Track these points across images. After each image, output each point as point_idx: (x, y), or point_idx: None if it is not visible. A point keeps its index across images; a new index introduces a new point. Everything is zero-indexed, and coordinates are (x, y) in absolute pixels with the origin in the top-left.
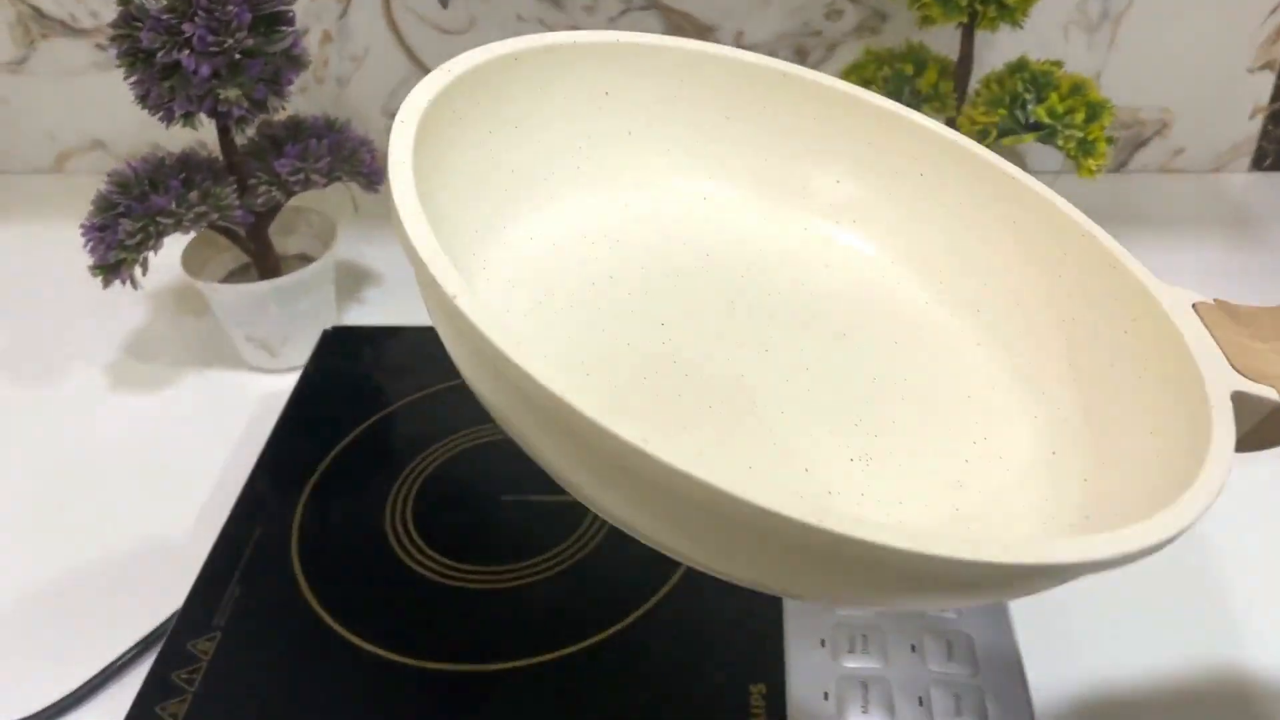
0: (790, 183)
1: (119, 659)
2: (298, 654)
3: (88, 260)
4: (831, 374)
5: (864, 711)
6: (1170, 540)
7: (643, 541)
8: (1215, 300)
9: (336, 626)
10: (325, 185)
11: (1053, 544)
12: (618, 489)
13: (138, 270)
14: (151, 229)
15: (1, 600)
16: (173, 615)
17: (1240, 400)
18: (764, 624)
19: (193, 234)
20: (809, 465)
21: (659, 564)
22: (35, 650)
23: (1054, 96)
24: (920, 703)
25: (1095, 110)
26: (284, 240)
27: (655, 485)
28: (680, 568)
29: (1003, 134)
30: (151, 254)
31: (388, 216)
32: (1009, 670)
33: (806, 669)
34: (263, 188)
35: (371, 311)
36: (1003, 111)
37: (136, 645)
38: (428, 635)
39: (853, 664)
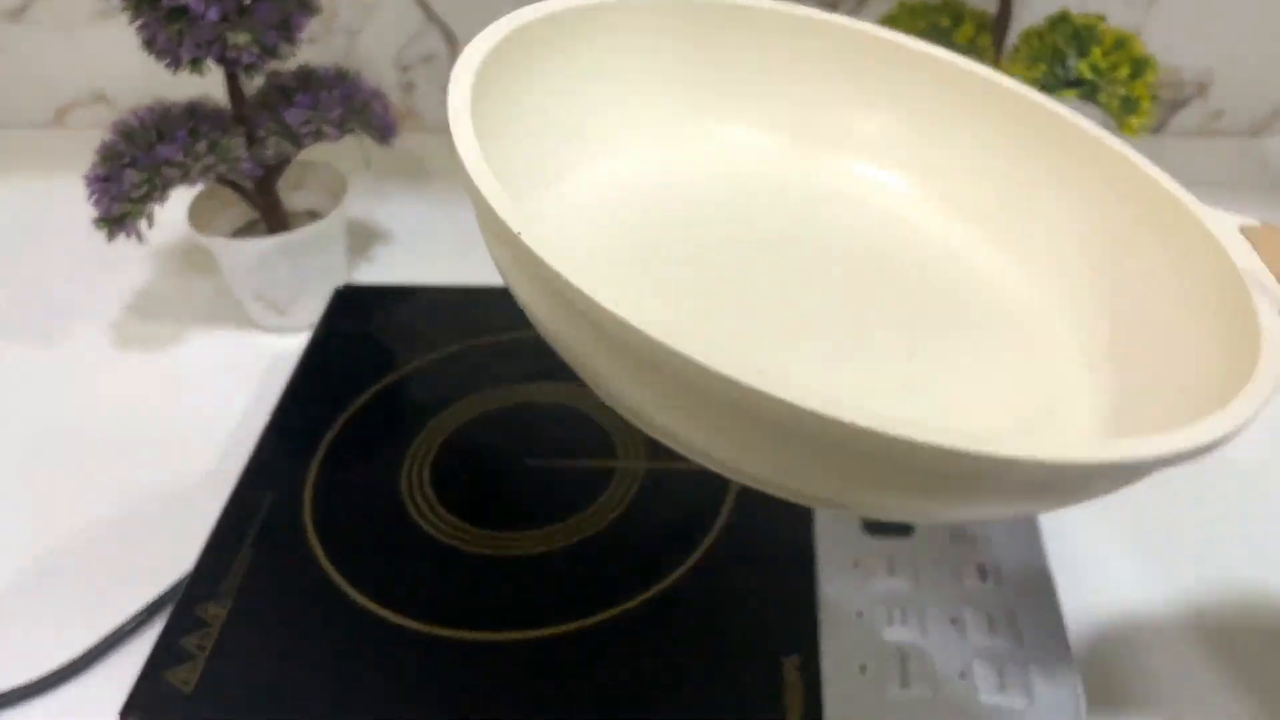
0: (829, 129)
1: (125, 624)
2: (312, 619)
3: (91, 214)
4: (885, 310)
5: (903, 685)
6: (1236, 432)
7: (699, 458)
8: (1263, 224)
9: (352, 592)
10: (337, 138)
11: (1126, 442)
12: (684, 409)
13: (143, 223)
14: (157, 180)
15: (3, 566)
16: (181, 580)
17: None
18: (796, 595)
19: (199, 188)
20: (868, 395)
21: (685, 533)
22: (40, 615)
23: (1096, 51)
24: (962, 676)
25: (1139, 66)
26: (292, 196)
27: (730, 403)
28: (707, 537)
29: (1044, 89)
30: (158, 207)
31: (400, 172)
32: (1054, 644)
33: (842, 641)
34: (272, 139)
35: (383, 270)
36: (1043, 67)
37: (143, 611)
38: (446, 602)
39: (890, 636)
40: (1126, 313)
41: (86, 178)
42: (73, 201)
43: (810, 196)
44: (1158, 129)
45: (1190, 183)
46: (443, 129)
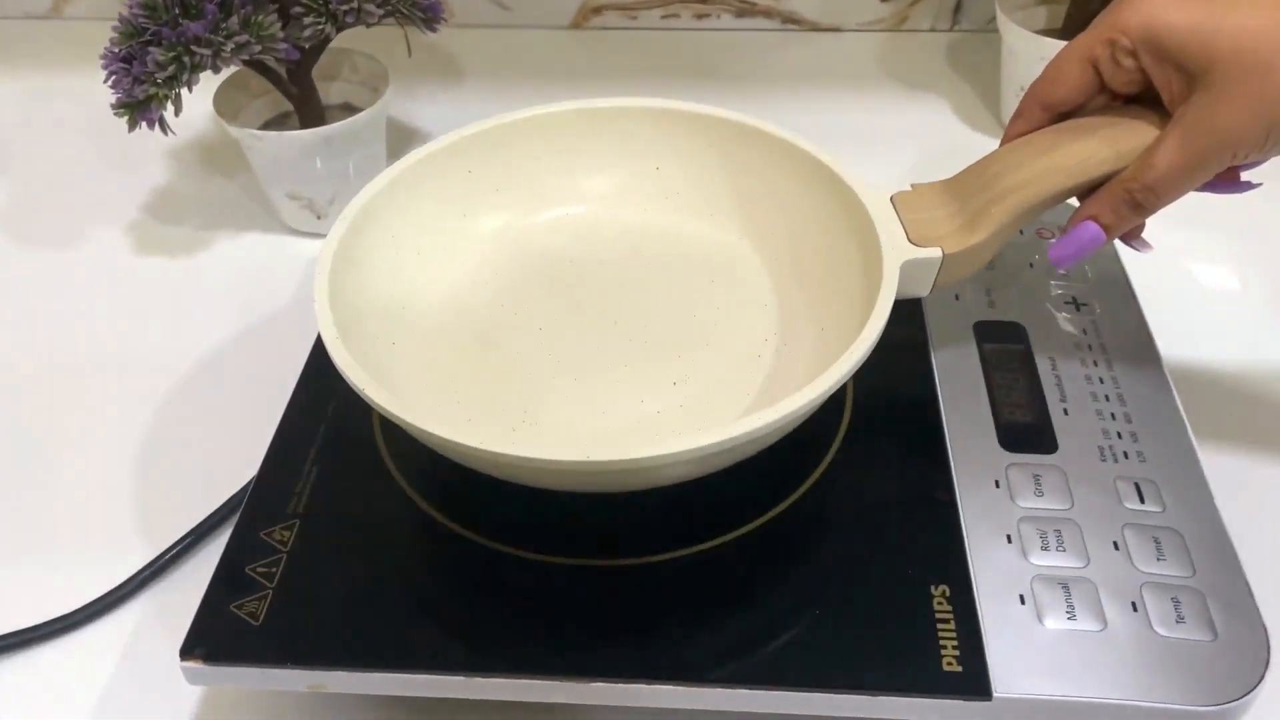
0: (566, 188)
1: (169, 550)
2: (388, 542)
3: (102, 106)
4: (660, 320)
5: (1070, 617)
6: (830, 389)
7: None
8: (913, 185)
9: (432, 511)
10: (378, 20)
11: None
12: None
13: (169, 109)
14: (186, 59)
15: (39, 479)
16: (231, 500)
17: (913, 264)
18: (934, 515)
19: (225, 74)
20: (644, 397)
21: (798, 451)
22: (67, 543)
23: None
24: (1134, 609)
25: None
26: (326, 87)
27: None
28: (825, 456)
29: None
30: (186, 91)
31: (433, 70)
32: (1228, 573)
33: (993, 568)
34: (310, 18)
35: None
36: None
37: (189, 534)
38: (546, 527)
39: (1046, 562)
40: (809, 265)
41: (104, 56)
42: (76, 97)
43: (597, 244)
44: None
45: None
46: (476, 23)
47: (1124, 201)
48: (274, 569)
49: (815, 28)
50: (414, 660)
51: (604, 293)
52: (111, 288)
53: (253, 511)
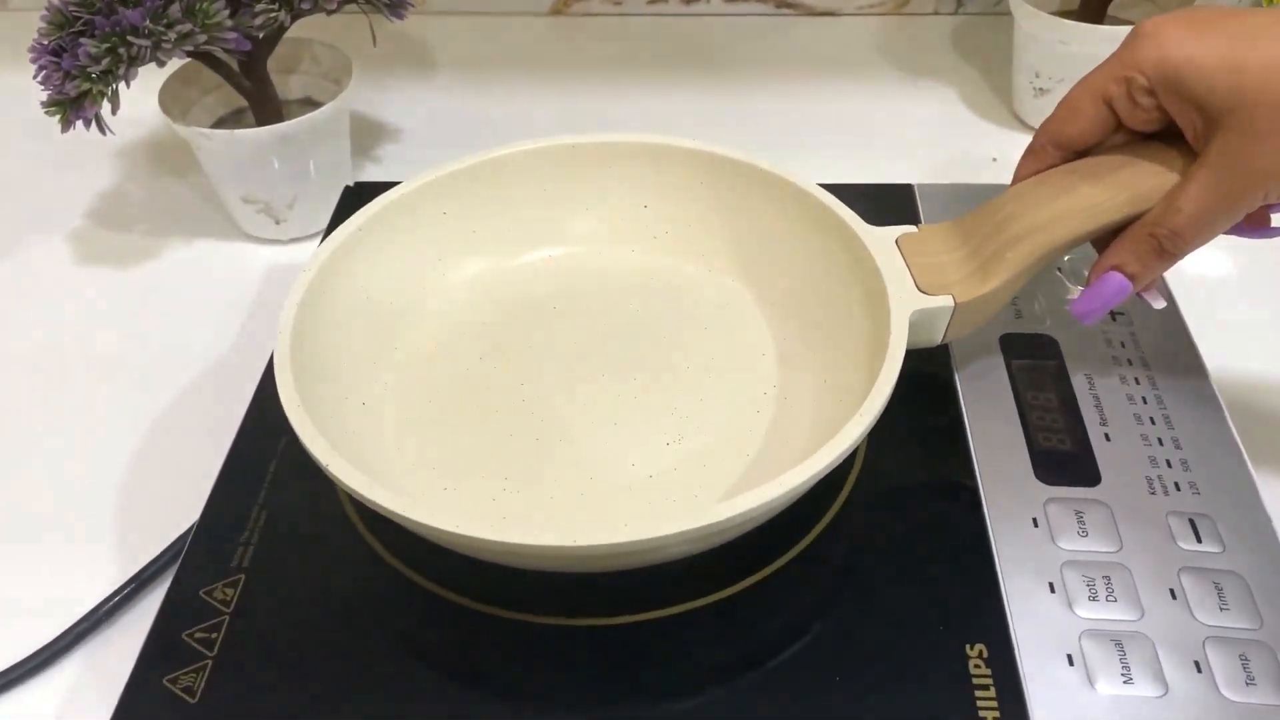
0: (548, 229)
1: (101, 605)
2: (347, 601)
3: (40, 96)
4: (649, 372)
5: (1126, 680)
6: (839, 458)
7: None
8: (920, 227)
9: (399, 565)
10: (338, 7)
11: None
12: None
13: (105, 107)
14: (122, 51)
15: None
16: (172, 546)
17: (923, 314)
18: (967, 564)
19: (171, 68)
20: (635, 459)
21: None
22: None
23: None
24: (1198, 669)
25: None
26: (284, 81)
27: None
28: (838, 496)
29: None
30: (123, 86)
31: (403, 61)
32: None
33: (1036, 623)
34: (261, 4)
35: (391, 170)
36: None
37: (123, 587)
38: (528, 583)
39: (1095, 614)
40: (812, 312)
41: (32, 50)
42: (15, 94)
43: (582, 289)
44: None
45: None
46: (451, 11)
47: (1150, 249)
48: (214, 634)
49: (810, 12)
50: None
51: (590, 343)
52: (51, 299)
53: (191, 567)
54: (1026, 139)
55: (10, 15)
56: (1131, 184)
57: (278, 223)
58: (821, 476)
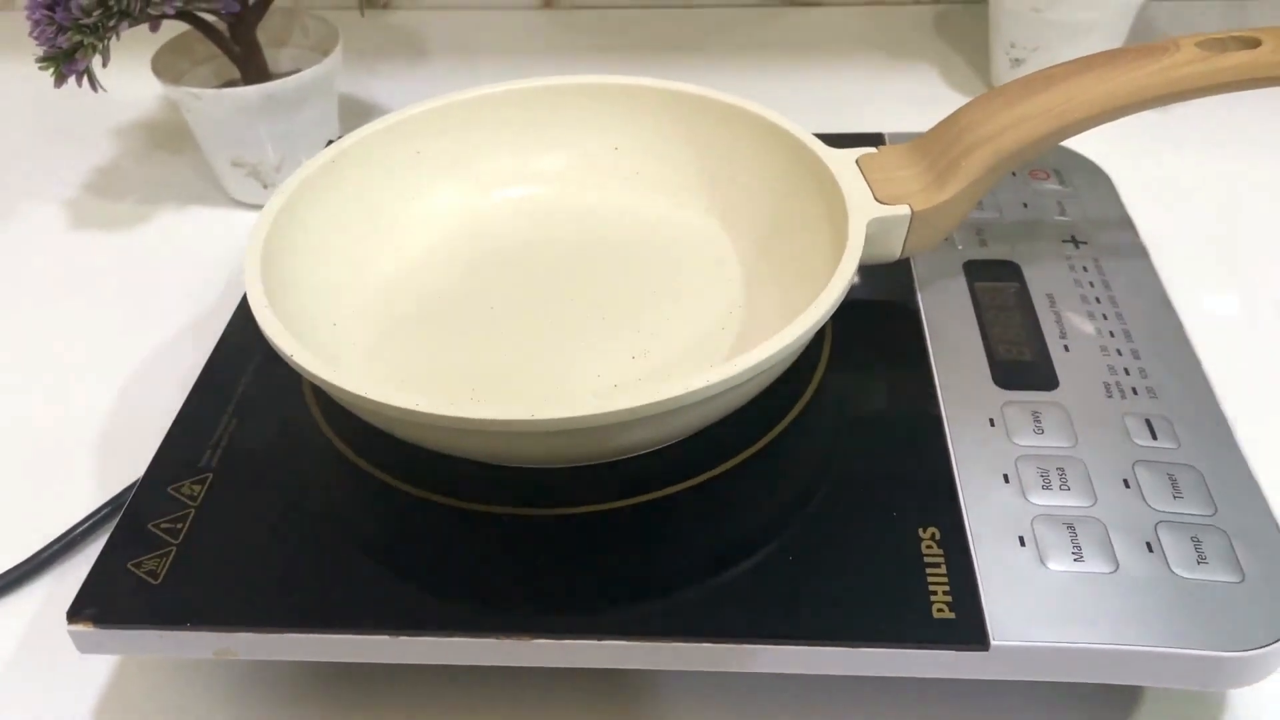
0: (520, 169)
1: (81, 523)
2: (310, 495)
3: (35, 51)
4: (618, 296)
5: (1076, 559)
6: (798, 341)
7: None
8: (880, 148)
9: (361, 462)
10: None
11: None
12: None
13: (97, 61)
14: (113, 4)
15: None
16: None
17: (881, 223)
18: (922, 455)
19: (162, 39)
20: (600, 371)
21: (777, 388)
22: None
23: None
24: (1149, 549)
25: None
26: (275, 55)
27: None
28: (803, 396)
29: None
30: (115, 39)
31: (392, 51)
32: (1254, 510)
33: (988, 509)
34: None
35: None
36: None
37: (102, 508)
38: (492, 473)
39: (1048, 501)
40: (777, 237)
41: (28, 4)
42: (20, 85)
43: (553, 224)
44: None
45: None
46: (445, 6)
47: None
48: (180, 524)
49: (795, 3)
50: (333, 620)
51: (559, 272)
52: (46, 261)
53: (161, 465)
54: None
55: (16, 15)
56: (1074, 94)
57: (265, 186)
58: (771, 365)
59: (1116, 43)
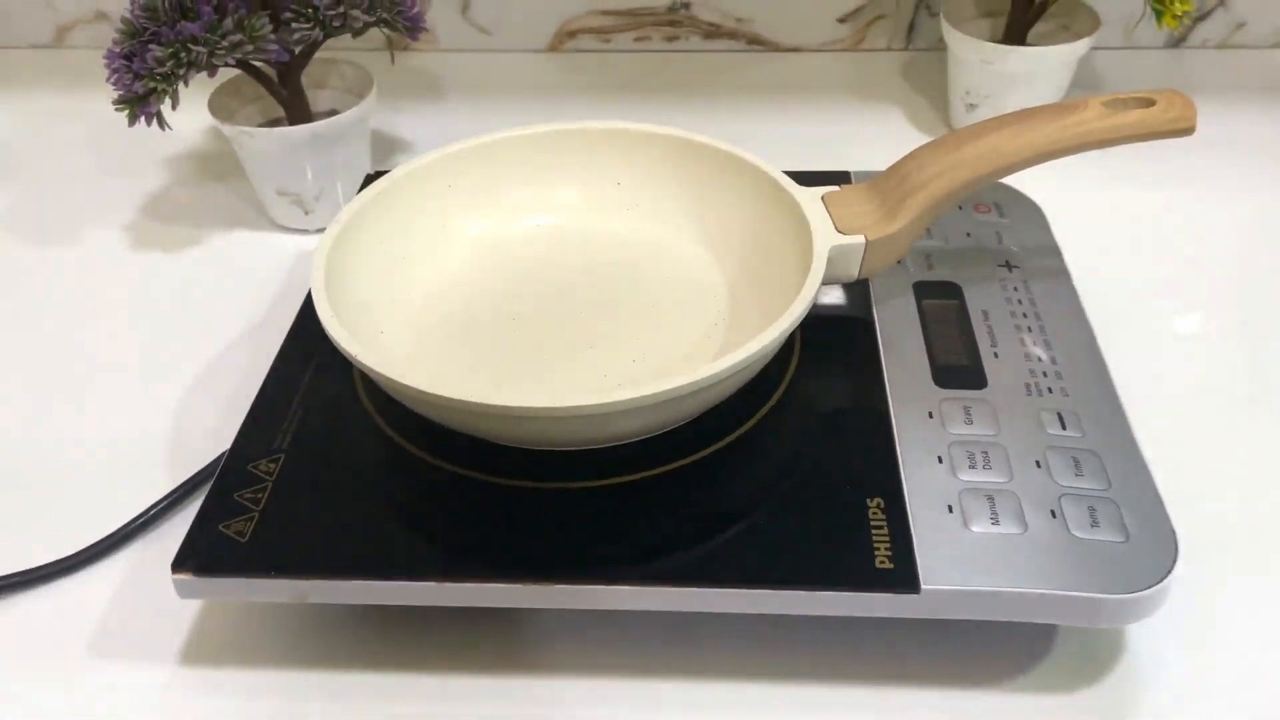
0: (537, 201)
1: (168, 495)
2: (365, 469)
3: (110, 108)
4: (621, 310)
5: (994, 522)
6: (772, 344)
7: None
8: (841, 187)
9: (408, 445)
10: (363, 29)
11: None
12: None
13: (167, 104)
14: (183, 56)
15: (45, 451)
16: (221, 454)
17: (840, 250)
18: (873, 442)
19: (218, 82)
20: (606, 372)
21: (752, 393)
22: (78, 500)
23: None
24: (1053, 515)
25: None
26: (315, 95)
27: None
28: (775, 394)
29: None
30: (182, 86)
31: (415, 91)
32: (1142, 486)
33: (925, 483)
34: (299, 23)
35: None
36: None
37: (182, 485)
38: (510, 456)
39: (973, 478)
40: (755, 261)
41: (106, 55)
42: (79, 119)
43: (566, 249)
44: (1179, 41)
45: (1211, 93)
46: (458, 48)
47: None
48: (260, 495)
49: (778, 48)
50: (389, 569)
51: (571, 289)
52: (110, 279)
53: (242, 446)
54: None
55: (67, 52)
56: (999, 144)
57: (306, 213)
58: (746, 366)
59: (1060, 91)
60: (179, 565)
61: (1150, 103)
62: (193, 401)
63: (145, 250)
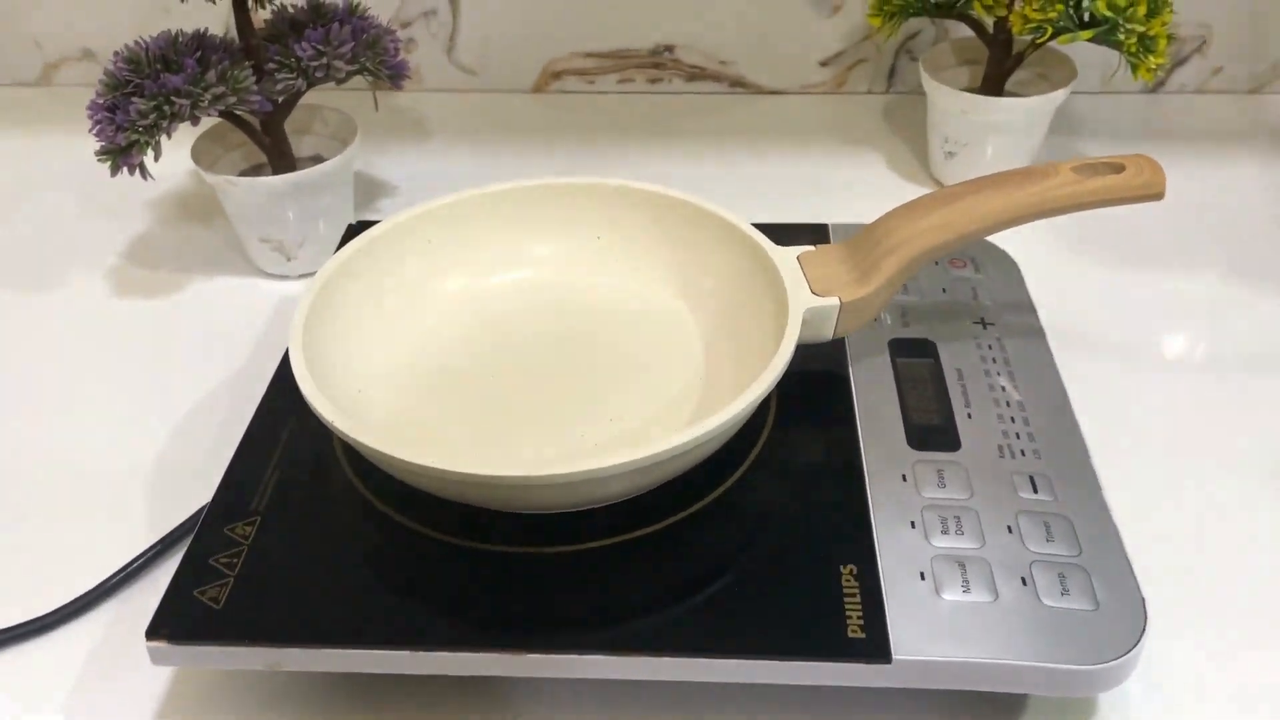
0: (517, 255)
1: (142, 555)
2: (342, 534)
3: (84, 165)
4: (599, 366)
5: (965, 590)
6: (745, 411)
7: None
8: (817, 247)
9: (386, 509)
10: (345, 78)
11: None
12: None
13: (149, 155)
14: (166, 108)
15: (18, 499)
16: (198, 511)
17: (815, 311)
18: (847, 507)
19: (201, 129)
20: (584, 432)
21: (728, 452)
22: (52, 552)
23: None
24: (1024, 583)
25: (1156, 5)
26: (298, 141)
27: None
28: (750, 455)
29: (1058, 32)
30: (165, 138)
31: (400, 131)
32: (1112, 553)
33: (898, 550)
34: (282, 73)
35: None
36: (1060, 7)
37: (157, 543)
38: (487, 520)
39: (946, 544)
40: (732, 317)
41: (90, 106)
42: (63, 158)
43: (545, 304)
44: (1156, 86)
45: (1189, 138)
46: (444, 88)
47: None
48: (235, 559)
49: (760, 90)
50: (364, 638)
51: (550, 346)
52: (90, 324)
53: (218, 509)
54: None
55: (54, 90)
56: (970, 209)
57: (289, 260)
58: (722, 429)
59: (1038, 139)
60: (153, 633)
61: (1120, 168)
62: (172, 453)
63: (126, 295)
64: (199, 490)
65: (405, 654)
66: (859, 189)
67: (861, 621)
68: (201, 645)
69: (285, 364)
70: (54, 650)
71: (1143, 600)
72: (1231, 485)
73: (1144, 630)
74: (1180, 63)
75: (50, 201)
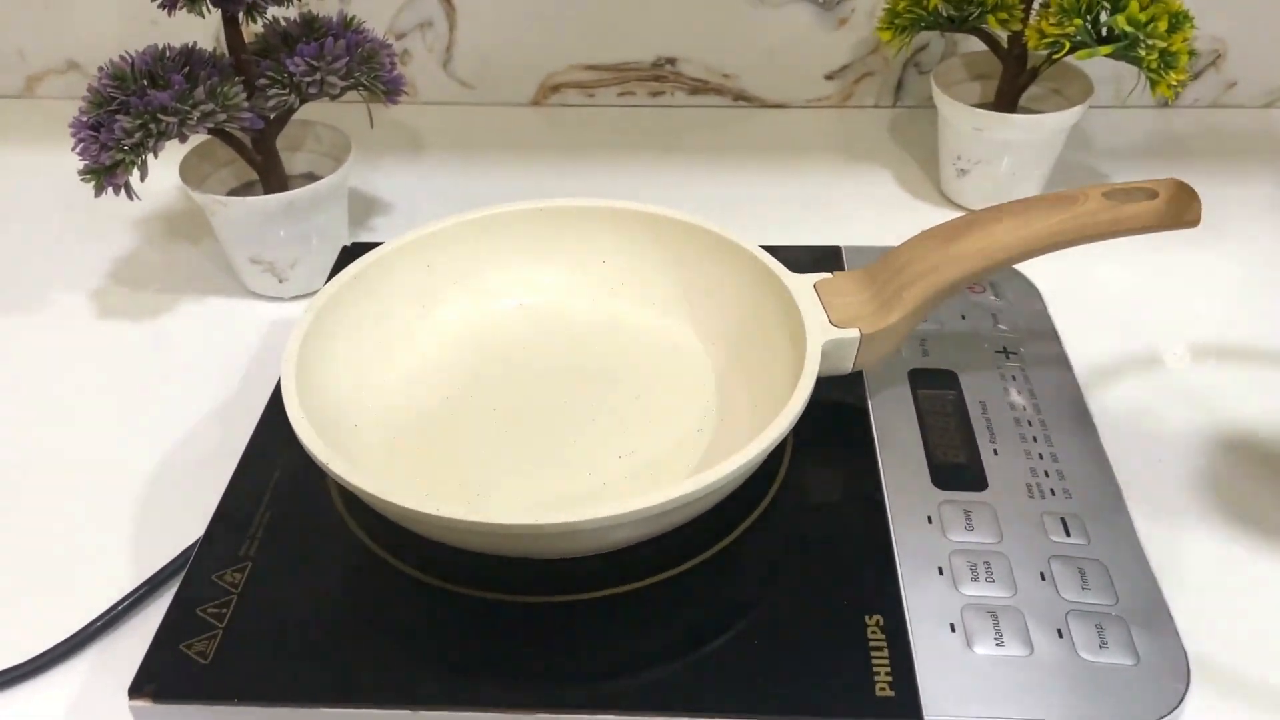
0: (520, 281)
1: (122, 601)
2: (340, 583)
3: (71, 177)
4: (606, 400)
5: (998, 644)
6: (758, 457)
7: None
8: (834, 274)
9: (384, 554)
10: (340, 93)
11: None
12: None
13: (135, 175)
14: (152, 127)
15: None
16: (184, 552)
17: (834, 344)
18: (870, 551)
19: (190, 145)
20: (591, 471)
21: (743, 491)
22: (26, 598)
23: (1134, 4)
24: (1060, 635)
25: (1177, 20)
26: (290, 158)
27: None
28: (766, 496)
29: (1075, 47)
30: (152, 157)
31: (395, 145)
32: (1151, 602)
33: (925, 599)
34: (274, 89)
35: (383, 238)
36: (1078, 21)
37: (141, 586)
38: (494, 566)
39: (976, 592)
40: (745, 349)
41: (73, 124)
42: (47, 172)
43: (549, 331)
44: (1170, 100)
45: (1203, 154)
46: (440, 101)
47: None
48: (224, 609)
49: (764, 104)
50: (361, 696)
51: (554, 376)
52: (77, 348)
53: (205, 555)
54: (950, 213)
55: (37, 102)
56: (997, 237)
57: (281, 281)
58: (737, 474)
59: (1053, 157)
60: (136, 690)
61: (1153, 194)
62: (159, 486)
63: (110, 317)
64: (188, 525)
65: (403, 714)
66: (868, 207)
67: (890, 679)
68: (188, 704)
69: (277, 394)
70: (29, 704)
71: (1185, 653)
72: (1274, 519)
73: (1188, 686)
74: (1194, 77)
75: (31, 218)
